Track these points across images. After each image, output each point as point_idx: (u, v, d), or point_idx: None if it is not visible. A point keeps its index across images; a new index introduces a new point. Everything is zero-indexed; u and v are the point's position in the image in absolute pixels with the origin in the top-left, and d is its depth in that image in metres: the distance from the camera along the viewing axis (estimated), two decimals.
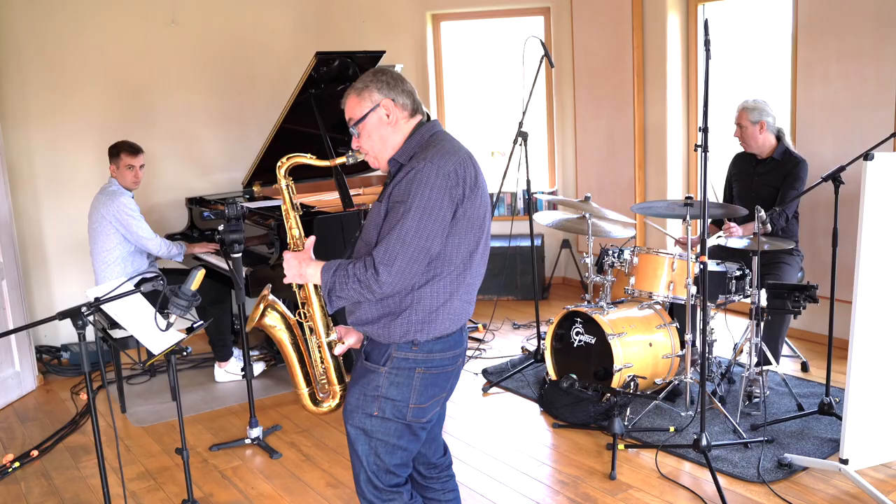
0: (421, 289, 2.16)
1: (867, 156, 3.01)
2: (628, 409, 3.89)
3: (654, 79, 5.68)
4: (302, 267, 2.26)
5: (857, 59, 4.44)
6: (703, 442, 3.37)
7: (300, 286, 2.35)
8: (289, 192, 2.32)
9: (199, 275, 2.37)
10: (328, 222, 4.45)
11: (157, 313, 2.38)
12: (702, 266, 3.13)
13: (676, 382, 4.02)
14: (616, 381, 3.89)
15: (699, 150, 3.20)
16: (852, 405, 3.15)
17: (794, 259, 4.29)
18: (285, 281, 2.32)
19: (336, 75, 4.81)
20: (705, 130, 3.19)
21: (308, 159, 2.27)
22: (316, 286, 2.33)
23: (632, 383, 3.90)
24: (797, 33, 4.71)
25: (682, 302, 3.95)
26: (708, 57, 3.17)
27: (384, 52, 4.79)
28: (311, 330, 2.39)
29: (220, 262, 4.64)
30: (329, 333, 2.37)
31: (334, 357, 2.39)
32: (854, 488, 3.19)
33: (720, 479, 3.25)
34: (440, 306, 2.17)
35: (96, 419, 2.51)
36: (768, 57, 5.31)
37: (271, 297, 2.38)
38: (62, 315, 2.39)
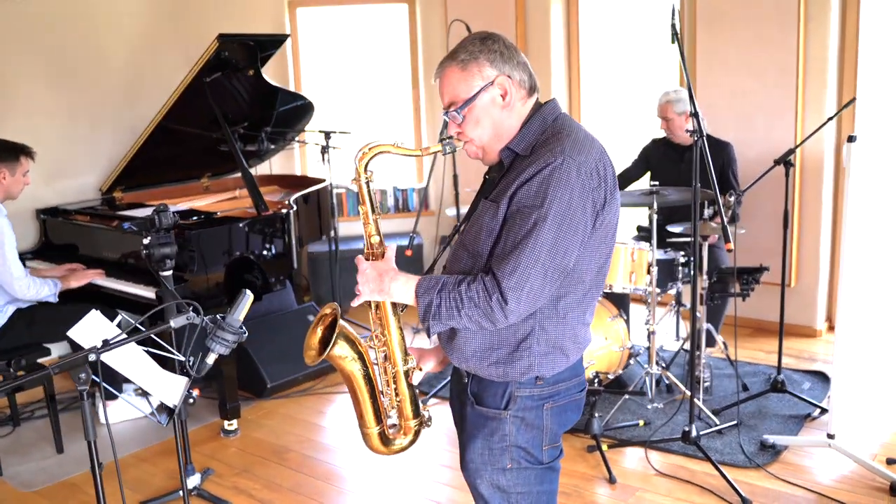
0: (544, 313, 1.78)
1: (851, 138, 3.08)
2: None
3: (537, 71, 5.58)
4: (384, 281, 1.82)
5: (758, 46, 4.59)
6: (693, 433, 3.33)
7: (376, 305, 1.92)
8: (369, 191, 1.88)
9: (248, 301, 1.86)
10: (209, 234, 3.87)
11: (192, 356, 1.85)
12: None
13: (641, 376, 3.97)
14: None
15: (692, 135, 3.12)
16: (837, 383, 3.24)
17: (720, 243, 4.38)
18: (355, 302, 1.87)
19: (216, 63, 4.22)
20: (696, 115, 3.12)
21: (396, 149, 1.85)
22: (394, 304, 1.92)
23: (596, 380, 3.78)
24: (695, 19, 4.82)
25: (641, 293, 3.89)
26: (676, 42, 3.10)
27: (288, 35, 4.28)
28: (386, 356, 1.97)
29: (116, 285, 3.88)
30: (407, 360, 1.97)
31: (410, 387, 1.99)
32: (842, 461, 3.27)
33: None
34: (567, 333, 1.81)
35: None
36: (653, 45, 5.43)
37: (342, 321, 1.91)
38: (59, 368, 1.79)
